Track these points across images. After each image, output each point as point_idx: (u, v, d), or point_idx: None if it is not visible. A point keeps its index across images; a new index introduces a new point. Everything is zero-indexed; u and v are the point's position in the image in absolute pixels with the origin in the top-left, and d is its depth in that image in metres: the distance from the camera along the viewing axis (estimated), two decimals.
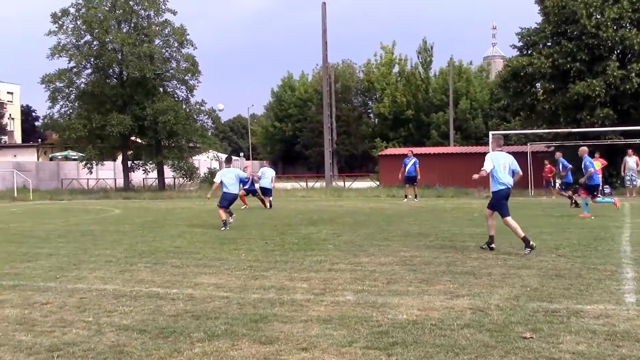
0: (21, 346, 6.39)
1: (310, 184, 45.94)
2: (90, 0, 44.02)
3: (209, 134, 49.69)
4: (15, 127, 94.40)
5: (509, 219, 11.87)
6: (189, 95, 46.82)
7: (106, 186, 47.58)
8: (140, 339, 6.54)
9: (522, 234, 11.71)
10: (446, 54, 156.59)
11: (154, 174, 47.11)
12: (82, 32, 44.03)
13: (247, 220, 20.22)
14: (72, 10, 44.10)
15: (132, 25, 45.42)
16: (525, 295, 8.08)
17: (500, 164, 11.91)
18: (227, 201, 18.02)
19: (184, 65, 45.79)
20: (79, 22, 43.84)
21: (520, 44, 36.63)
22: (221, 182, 18.03)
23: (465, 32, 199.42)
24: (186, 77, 45.90)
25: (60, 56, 43.71)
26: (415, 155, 30.35)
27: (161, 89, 45.98)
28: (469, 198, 27.57)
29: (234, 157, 80.00)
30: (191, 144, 47.19)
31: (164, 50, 45.48)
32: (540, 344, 5.98)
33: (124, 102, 44.35)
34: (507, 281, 9.04)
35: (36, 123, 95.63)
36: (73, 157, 56.58)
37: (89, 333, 6.82)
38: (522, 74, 34.92)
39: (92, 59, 44.40)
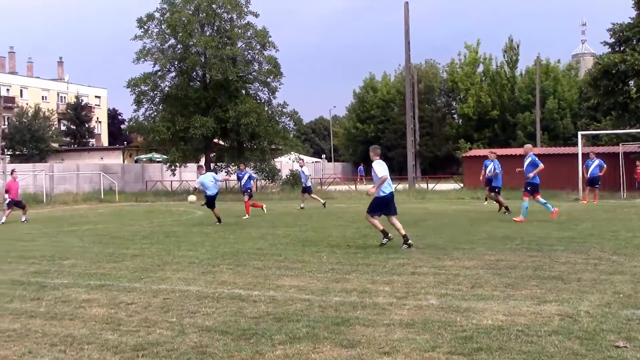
0: (108, 345, 6.59)
1: (393, 185, 45.63)
2: (175, 5, 45.05)
3: (291, 135, 50.01)
4: (102, 130, 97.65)
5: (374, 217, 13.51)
6: (271, 97, 47.37)
7: (189, 188, 48.44)
8: (222, 340, 6.64)
9: (381, 227, 13.36)
10: (533, 52, 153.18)
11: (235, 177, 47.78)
12: (167, 36, 45.10)
13: (327, 222, 20.28)
14: (157, 14, 45.32)
15: (215, 28, 46.19)
16: (618, 302, 7.81)
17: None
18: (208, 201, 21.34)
19: (266, 67, 46.27)
20: (163, 27, 44.93)
21: (612, 40, 35.46)
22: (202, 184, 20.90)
23: (553, 30, 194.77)
24: (268, 79, 46.38)
25: (146, 60, 44.93)
26: (499, 157, 29.67)
27: (243, 91, 46.60)
28: (557, 200, 26.82)
29: (315, 159, 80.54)
30: (273, 146, 47.58)
31: (246, 53, 46.08)
32: (634, 353, 5.76)
33: (207, 104, 45.18)
34: (597, 287, 8.75)
35: (122, 126, 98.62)
36: (157, 160, 57.96)
37: (173, 333, 6.98)
38: (613, 71, 33.79)
39: (176, 63, 45.41)
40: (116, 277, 10.61)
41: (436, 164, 73.42)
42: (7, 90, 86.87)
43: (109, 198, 40.62)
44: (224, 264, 11.70)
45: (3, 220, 24.26)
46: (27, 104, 74.84)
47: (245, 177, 25.86)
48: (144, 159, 60.23)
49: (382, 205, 13.65)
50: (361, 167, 61.20)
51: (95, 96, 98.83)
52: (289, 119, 47.33)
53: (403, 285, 9.21)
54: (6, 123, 74.72)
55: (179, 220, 23.45)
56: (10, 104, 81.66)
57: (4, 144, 63.79)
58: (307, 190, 28.19)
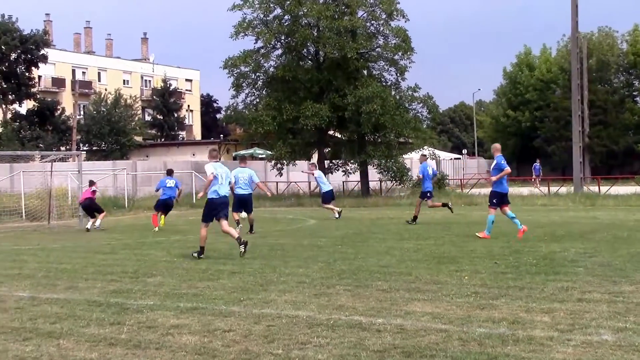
0: None
1: (554, 188, 44.68)
2: None
3: (424, 126, 49.60)
4: (195, 121, 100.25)
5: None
6: (400, 78, 47.12)
7: (298, 191, 48.87)
8: None
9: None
10: None
11: (355, 176, 47.87)
12: (272, 5, 45.56)
13: (469, 234, 20.05)
14: None
15: None
16: None
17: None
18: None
19: (393, 41, 45.98)
20: None
21: None
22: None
23: None
24: (396, 57, 46.11)
25: (246, 35, 45.45)
26: None
27: (365, 72, 46.56)
28: None
29: (453, 155, 79.75)
30: (402, 139, 47.29)
31: (368, 24, 46.11)
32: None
33: (320, 88, 45.43)
34: None
35: (217, 115, 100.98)
36: (260, 156, 58.89)
37: None
38: None
39: (283, 37, 45.95)
40: (211, 299, 10.87)
41: (611, 161, 71.28)
42: (83, 73, 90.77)
43: (201, 203, 41.42)
44: (341, 285, 11.78)
45: (97, 224, 25.56)
46: (105, 90, 77.87)
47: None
48: (244, 155, 61.41)
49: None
50: (537, 164, 59.44)
51: (186, 79, 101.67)
52: (421, 105, 46.86)
53: (567, 315, 9.02)
54: (82, 112, 78.08)
55: (286, 230, 23.77)
56: (86, 90, 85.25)
57: (79, 137, 66.72)
58: (326, 197, 28.48)
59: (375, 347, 7.73)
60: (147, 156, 65.97)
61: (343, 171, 47.52)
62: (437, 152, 51.15)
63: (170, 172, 25.78)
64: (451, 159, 74.43)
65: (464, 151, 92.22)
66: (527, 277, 12.00)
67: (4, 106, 69.11)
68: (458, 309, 9.59)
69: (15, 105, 72.23)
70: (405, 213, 29.74)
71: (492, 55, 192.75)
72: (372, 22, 46.29)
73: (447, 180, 52.10)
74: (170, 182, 25.31)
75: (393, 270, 13.28)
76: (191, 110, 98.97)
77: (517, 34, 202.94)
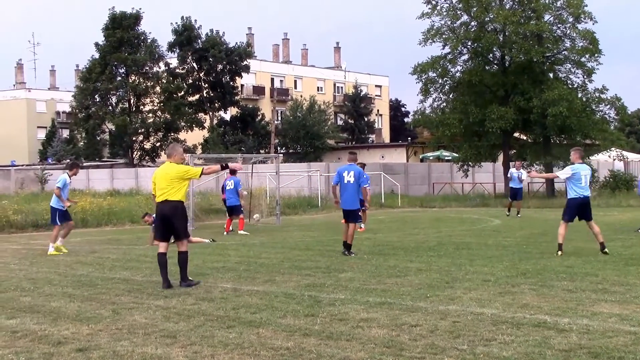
0: None
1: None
2: None
3: (611, 127, 47.88)
4: (384, 125, 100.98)
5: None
6: (587, 80, 45.67)
7: (484, 192, 48.42)
8: None
9: None
10: None
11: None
12: (459, 12, 45.50)
13: None
14: None
15: (517, 0, 45.56)
16: None
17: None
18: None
19: (580, 44, 44.71)
20: (454, 1, 45.33)
21: None
22: None
23: None
24: (582, 59, 44.76)
25: (434, 41, 45.65)
26: None
27: (551, 75, 45.59)
28: None
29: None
30: (588, 141, 45.96)
31: (554, 28, 45.00)
32: None
33: (505, 92, 44.86)
34: None
35: (405, 119, 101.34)
36: (446, 158, 58.64)
37: None
38: None
39: (470, 43, 45.66)
40: (398, 294, 10.89)
41: None
42: (281, 81, 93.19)
43: (390, 202, 41.85)
44: (526, 284, 11.53)
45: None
46: (301, 96, 79.65)
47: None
48: (431, 157, 61.26)
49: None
50: None
51: (376, 85, 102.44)
52: (608, 107, 45.32)
53: None
54: (280, 118, 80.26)
55: (471, 230, 23.53)
56: (284, 97, 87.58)
57: (277, 141, 68.59)
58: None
59: (561, 347, 7.52)
60: (339, 158, 66.84)
61: (528, 172, 46.51)
62: (625, 153, 49.04)
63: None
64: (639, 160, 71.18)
65: None
66: None
67: (210, 113, 72.22)
68: None
69: (221, 112, 75.57)
70: (595, 213, 28.68)
71: None
72: (559, 25, 45.10)
73: (637, 182, 49.97)
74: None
75: (578, 270, 12.89)
76: (380, 115, 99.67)
77: None
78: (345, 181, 16.78)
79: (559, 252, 15.18)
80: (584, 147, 45.26)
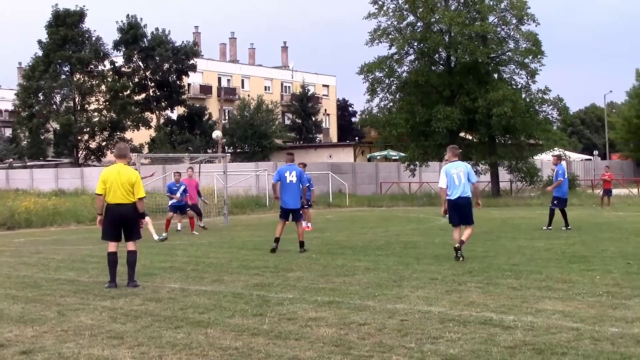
0: None
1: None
2: None
3: (554, 128, 48.59)
4: (331, 124, 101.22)
5: None
6: (530, 81, 46.25)
7: (431, 191, 48.70)
8: None
9: None
10: None
11: (486, 177, 47.35)
12: (405, 13, 45.72)
13: (600, 234, 19.50)
14: None
15: (462, 1, 46.02)
16: None
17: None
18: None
19: (524, 45, 45.33)
20: (400, 1, 45.56)
21: None
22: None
23: None
24: (526, 60, 45.37)
25: (380, 42, 45.80)
26: None
27: (495, 75, 46.09)
28: None
29: (584, 157, 77.57)
30: (532, 141, 46.57)
31: (499, 29, 45.49)
32: None
33: (451, 92, 45.25)
34: None
35: (353, 119, 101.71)
36: (394, 158, 58.93)
37: None
38: None
39: (416, 43, 45.87)
40: (347, 293, 10.93)
41: None
42: (228, 80, 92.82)
43: (338, 202, 41.95)
44: (472, 282, 11.66)
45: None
46: (248, 96, 79.38)
47: None
48: (378, 157, 61.56)
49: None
50: None
51: (323, 85, 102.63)
52: (551, 107, 45.93)
53: None
54: (227, 117, 79.94)
55: (419, 229, 23.71)
56: (231, 96, 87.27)
57: (224, 140, 68.29)
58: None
59: (506, 344, 7.62)
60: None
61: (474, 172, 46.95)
62: (567, 152, 49.83)
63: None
64: (582, 160, 72.39)
65: (595, 152, 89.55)
66: None
67: (157, 112, 71.70)
68: (590, 308, 9.35)
69: (168, 111, 75.07)
70: (536, 213, 29.21)
71: (624, 54, 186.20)
72: (503, 27, 45.65)
73: (578, 181, 50.84)
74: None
75: (523, 268, 13.07)
76: (328, 114, 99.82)
77: None
78: (288, 181, 16.91)
79: (460, 258, 14.29)
80: (528, 147, 46.01)
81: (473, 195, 15.15)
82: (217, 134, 22.74)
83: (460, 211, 14.80)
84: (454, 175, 14.75)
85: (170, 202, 23.92)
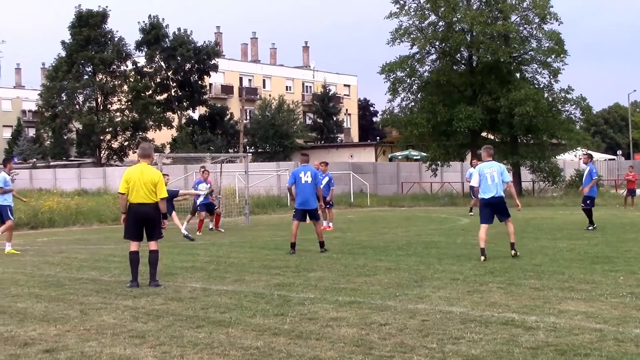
0: None
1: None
2: None
3: (577, 127, 48.32)
4: (352, 124, 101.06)
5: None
6: (553, 80, 46.08)
7: (452, 191, 48.60)
8: None
9: None
10: None
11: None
12: (427, 12, 45.64)
13: (624, 235, 19.34)
14: None
15: (484, 0, 45.84)
16: None
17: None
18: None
19: (546, 44, 45.16)
20: (422, 1, 45.47)
21: None
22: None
23: None
24: (549, 59, 45.13)
25: (402, 41, 45.76)
26: None
27: (518, 75, 45.93)
28: None
29: (608, 156, 77.02)
30: (554, 140, 46.34)
31: (521, 28, 45.32)
32: None
33: (473, 91, 45.21)
34: None
35: (374, 119, 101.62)
36: (415, 157, 58.81)
37: None
38: None
39: (437, 43, 45.85)
40: (368, 293, 10.91)
41: None
42: (249, 80, 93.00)
43: (359, 202, 41.91)
44: (494, 282, 11.60)
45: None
46: (270, 96, 79.54)
47: None
48: (400, 157, 61.39)
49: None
50: None
51: (344, 85, 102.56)
52: (574, 107, 45.69)
53: None
54: (248, 117, 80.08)
55: (440, 229, 23.63)
56: (252, 96, 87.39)
57: (245, 140, 68.45)
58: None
59: (529, 344, 7.58)
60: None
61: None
62: (590, 152, 49.49)
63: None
64: (605, 159, 71.92)
65: (619, 152, 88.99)
66: None
67: (179, 112, 71.98)
68: (613, 309, 9.28)
69: (189, 111, 75.41)
70: (559, 213, 29.08)
71: None
72: (525, 26, 45.44)
73: (601, 181, 50.53)
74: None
75: (546, 269, 12.99)
76: (349, 114, 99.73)
77: None
78: (303, 182, 16.91)
79: (482, 258, 14.42)
80: (551, 147, 45.73)
81: (507, 194, 15.36)
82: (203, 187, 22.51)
83: (494, 210, 15.08)
84: (487, 175, 14.91)
85: (199, 202, 23.90)
